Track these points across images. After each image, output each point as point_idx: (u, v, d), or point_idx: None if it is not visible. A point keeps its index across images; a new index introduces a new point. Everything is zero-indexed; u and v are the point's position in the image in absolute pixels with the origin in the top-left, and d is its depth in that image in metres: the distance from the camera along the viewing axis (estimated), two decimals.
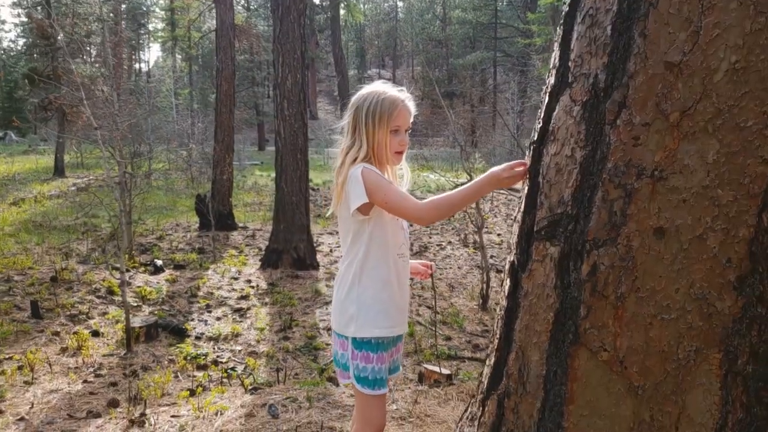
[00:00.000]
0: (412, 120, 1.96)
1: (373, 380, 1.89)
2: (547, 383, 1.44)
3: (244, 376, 4.36)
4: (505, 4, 40.08)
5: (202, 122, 19.33)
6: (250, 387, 3.89)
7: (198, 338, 5.87)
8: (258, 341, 5.84)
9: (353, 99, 1.96)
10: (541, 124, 1.54)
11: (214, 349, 5.62)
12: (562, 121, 1.44)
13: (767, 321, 1.21)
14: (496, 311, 1.77)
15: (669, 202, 1.26)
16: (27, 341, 5.34)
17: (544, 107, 1.54)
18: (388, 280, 1.91)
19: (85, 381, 4.49)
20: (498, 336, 1.65)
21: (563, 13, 1.48)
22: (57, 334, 5.60)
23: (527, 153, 1.62)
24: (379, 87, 1.93)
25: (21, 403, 3.88)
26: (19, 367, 4.51)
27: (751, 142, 1.18)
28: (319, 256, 9.12)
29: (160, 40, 46.47)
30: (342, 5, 34.13)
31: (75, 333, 5.54)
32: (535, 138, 1.55)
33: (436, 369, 3.75)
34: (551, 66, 1.55)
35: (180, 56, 42.73)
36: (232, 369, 5.04)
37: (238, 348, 5.70)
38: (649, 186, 1.28)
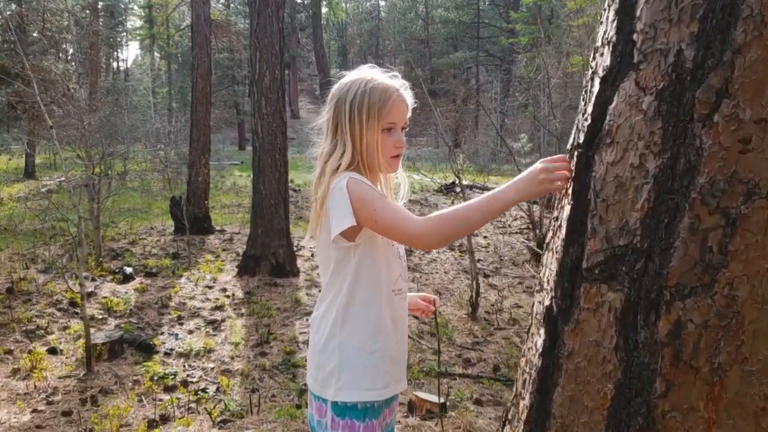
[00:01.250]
0: (410, 114, 1.53)
1: None
2: None
3: (212, 404, 3.92)
4: (487, 3, 40.13)
5: (179, 121, 18.82)
6: (218, 419, 3.46)
7: (167, 354, 5.42)
8: (232, 358, 5.40)
9: (334, 89, 1.51)
10: (589, 121, 1.13)
11: (184, 367, 5.17)
12: (625, 118, 1.04)
13: None
14: (520, 365, 1.36)
15: None
16: None
17: (593, 98, 1.13)
18: (380, 324, 1.48)
19: (34, 410, 4.02)
20: (528, 404, 1.23)
21: None
22: (10, 352, 5.12)
23: (569, 158, 1.21)
24: (367, 73, 1.49)
25: None
26: None
27: None
28: (299, 261, 8.69)
29: (138, 38, 45.72)
30: (324, 3, 33.67)
31: (30, 351, 5.06)
32: (581, 140, 1.14)
33: (429, 398, 3.35)
34: (601, 42, 1.15)
35: (158, 54, 42.07)
36: (203, 390, 4.60)
37: (211, 365, 5.26)
38: (764, 211, 0.88)
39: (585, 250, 1.10)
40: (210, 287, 7.61)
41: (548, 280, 1.23)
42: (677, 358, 0.96)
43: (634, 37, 1.04)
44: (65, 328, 5.81)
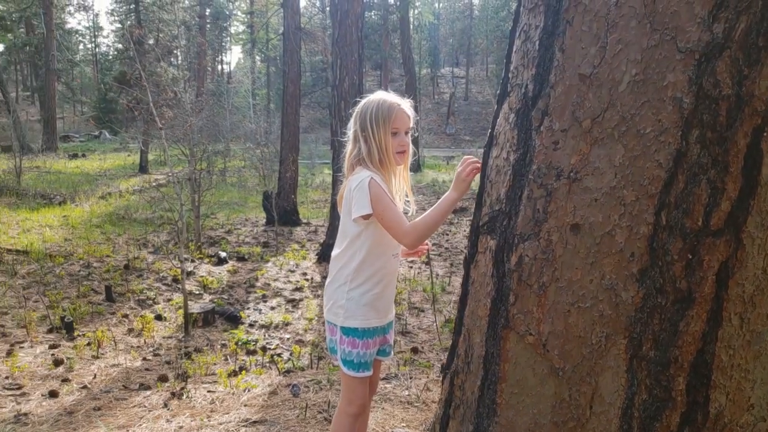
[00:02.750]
0: (411, 124, 2.11)
1: (357, 363, 2.07)
2: (486, 363, 1.60)
3: (281, 360, 4.67)
4: None
5: (274, 122, 20.09)
6: (284, 370, 4.18)
7: (251, 326, 6.25)
8: (305, 330, 6.14)
9: (357, 108, 2.13)
10: (490, 129, 1.69)
11: (264, 336, 5.98)
12: (502, 127, 1.60)
13: (667, 311, 1.32)
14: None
15: (583, 200, 1.39)
16: (100, 322, 5.90)
17: (494, 114, 1.69)
18: (381, 278, 2.06)
19: (144, 359, 4.94)
20: (455, 320, 1.81)
21: (510, 30, 1.63)
22: (126, 316, 6.14)
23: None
24: (380, 95, 2.09)
25: (86, 374, 4.35)
26: (88, 344, 5.02)
27: (649, 147, 1.30)
28: None
29: (240, 43, 48.27)
30: (413, 5, 34.27)
31: (141, 316, 6.06)
32: (485, 143, 1.71)
33: None
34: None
35: (259, 57, 44.24)
36: (278, 355, 5.36)
37: (287, 336, 6.03)
38: (566, 186, 1.41)
39: (481, 215, 1.66)
40: (292, 271, 8.46)
41: (468, 240, 1.79)
42: (520, 279, 1.50)
43: (509, 74, 1.59)
44: (169, 299, 6.80)
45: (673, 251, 1.29)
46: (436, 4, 55.74)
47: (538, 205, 1.46)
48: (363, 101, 2.11)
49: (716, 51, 1.21)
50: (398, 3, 35.23)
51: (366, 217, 1.96)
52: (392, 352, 2.31)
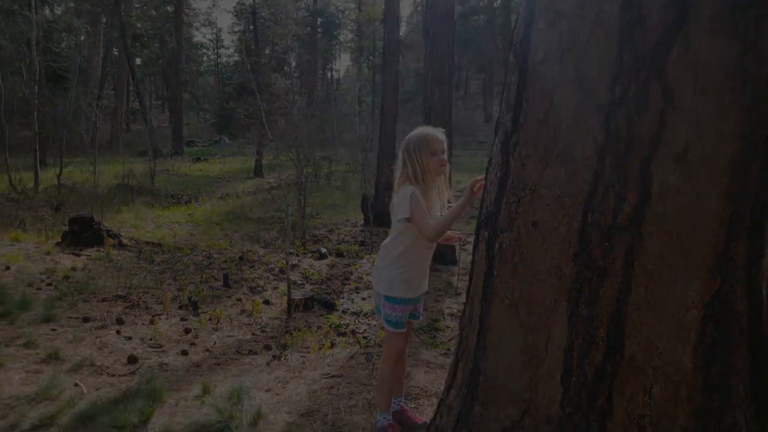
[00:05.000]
0: (444, 147, 2.81)
1: (395, 322, 2.82)
2: (481, 319, 2.24)
3: (364, 340, 5.44)
4: None
5: (377, 129, 21.04)
6: (364, 345, 4.95)
7: (344, 312, 7.11)
8: None
9: (404, 141, 2.86)
10: (489, 155, 2.34)
11: (354, 321, 6.80)
12: (494, 153, 2.24)
13: (592, 282, 1.91)
14: None
15: (539, 205, 2.01)
16: (219, 303, 6.99)
17: (491, 143, 2.33)
18: (416, 264, 2.83)
19: (252, 333, 5.92)
20: (466, 292, 2.47)
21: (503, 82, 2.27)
22: (240, 300, 7.20)
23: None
24: (420, 129, 2.84)
25: (208, 341, 5.36)
26: (209, 319, 6.08)
27: (579, 169, 1.89)
28: (462, 255, 9.96)
29: (349, 50, 50.03)
30: (517, 10, 34.16)
31: (252, 300, 7.10)
32: (488, 163, 2.36)
33: None
34: None
35: (366, 65, 45.68)
36: (364, 337, 6.16)
37: (374, 323, 6.81)
38: (529, 195, 2.04)
39: (481, 214, 2.31)
40: None
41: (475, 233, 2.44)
42: (501, 260, 2.13)
43: (499, 116, 2.22)
44: (275, 287, 7.82)
45: (595, 240, 1.88)
46: None
47: (512, 208, 2.09)
48: (408, 136, 2.84)
49: (616, 105, 1.79)
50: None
51: (407, 219, 2.68)
52: (421, 317, 3.03)
